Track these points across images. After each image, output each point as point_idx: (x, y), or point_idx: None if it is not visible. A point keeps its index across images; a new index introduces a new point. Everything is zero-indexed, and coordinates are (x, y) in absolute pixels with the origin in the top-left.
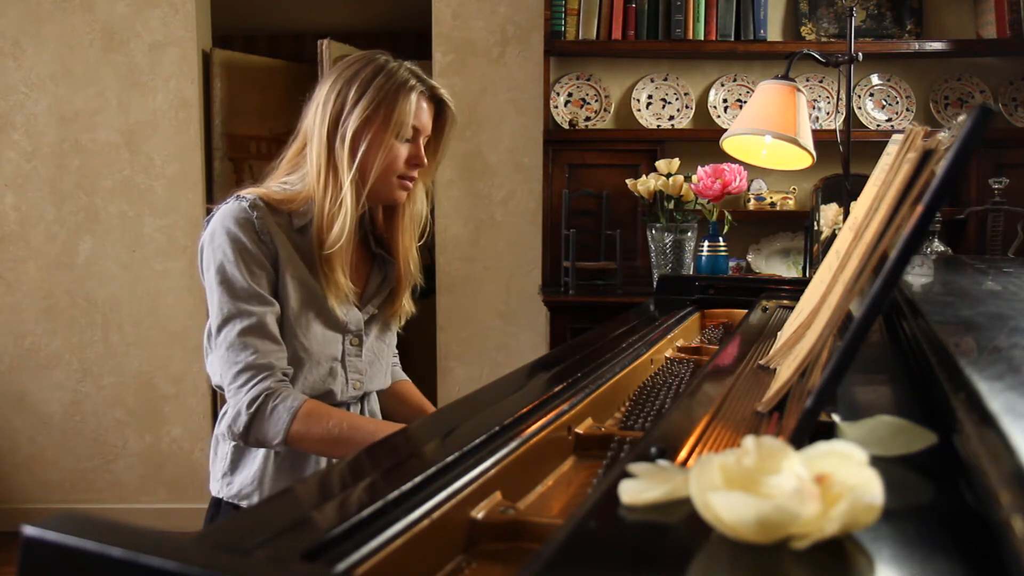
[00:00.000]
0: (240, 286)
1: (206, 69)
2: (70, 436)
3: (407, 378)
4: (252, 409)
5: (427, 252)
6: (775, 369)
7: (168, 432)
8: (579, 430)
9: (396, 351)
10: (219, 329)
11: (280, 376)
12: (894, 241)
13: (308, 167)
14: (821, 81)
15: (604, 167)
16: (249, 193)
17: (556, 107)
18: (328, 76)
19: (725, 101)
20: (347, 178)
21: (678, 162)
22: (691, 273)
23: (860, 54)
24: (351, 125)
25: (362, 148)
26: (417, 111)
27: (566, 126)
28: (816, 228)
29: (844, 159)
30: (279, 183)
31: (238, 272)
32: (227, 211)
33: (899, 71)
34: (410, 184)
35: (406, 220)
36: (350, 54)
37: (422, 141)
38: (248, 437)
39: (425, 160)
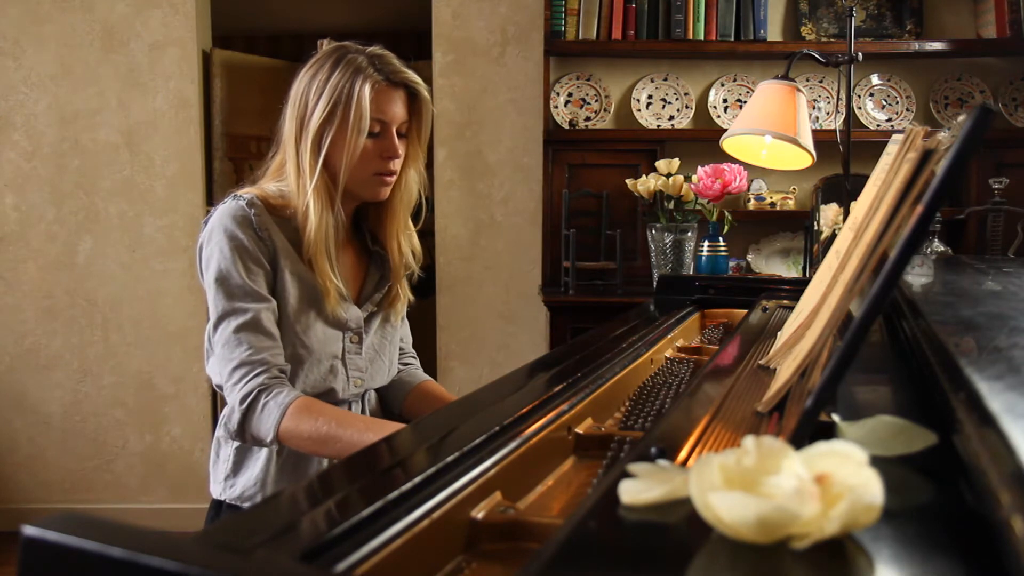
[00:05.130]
0: (236, 283)
1: (206, 69)
2: (70, 436)
3: (429, 377)
4: (244, 405)
5: (427, 252)
6: (775, 369)
7: (168, 432)
8: (579, 430)
9: (415, 353)
10: (215, 327)
11: (276, 372)
12: (894, 241)
13: (287, 171)
14: (821, 81)
15: (604, 167)
16: (247, 192)
17: (556, 107)
18: (298, 73)
19: (725, 101)
20: (310, 182)
21: (678, 162)
22: (691, 273)
23: (860, 54)
24: (311, 128)
25: (324, 150)
26: (379, 103)
27: (566, 126)
28: (816, 228)
29: (844, 159)
30: (275, 184)
31: (234, 270)
32: (225, 210)
33: (899, 71)
34: (390, 179)
35: (394, 206)
36: None
37: (395, 131)
38: (244, 434)
39: (399, 152)
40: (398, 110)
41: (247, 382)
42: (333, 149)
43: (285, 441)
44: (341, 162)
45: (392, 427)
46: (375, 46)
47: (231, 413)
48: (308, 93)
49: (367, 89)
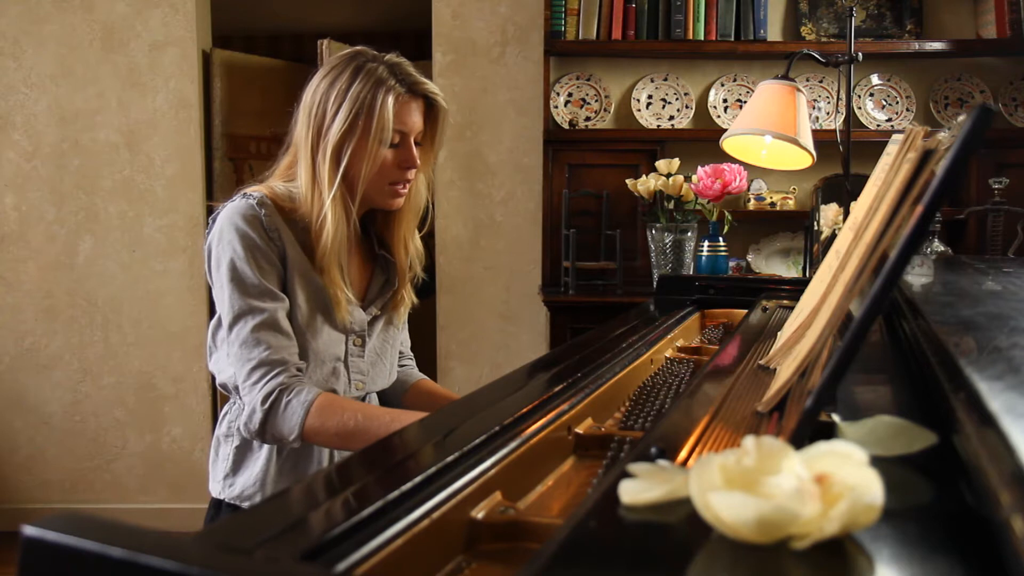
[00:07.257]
0: (251, 283)
1: (206, 69)
2: (70, 436)
3: (425, 376)
4: (266, 405)
5: (427, 252)
6: (775, 369)
7: (168, 432)
8: (579, 430)
9: (412, 355)
10: (231, 326)
11: (294, 371)
12: (894, 241)
13: (299, 178)
14: (821, 81)
15: (604, 167)
16: (255, 191)
17: (556, 107)
18: (313, 79)
19: (725, 101)
20: (328, 194)
21: (678, 162)
22: (691, 273)
23: (860, 54)
24: (331, 139)
25: (344, 161)
26: (401, 114)
27: (566, 126)
28: (816, 228)
29: (844, 159)
30: (284, 184)
31: (248, 268)
32: (234, 208)
33: (899, 71)
34: (404, 188)
35: (403, 211)
36: None
37: (413, 141)
38: (265, 434)
39: (417, 161)
40: (417, 120)
41: (267, 382)
42: (353, 159)
43: (310, 439)
44: (360, 172)
45: (415, 416)
46: (391, 54)
47: (252, 413)
48: (326, 102)
49: (390, 101)
